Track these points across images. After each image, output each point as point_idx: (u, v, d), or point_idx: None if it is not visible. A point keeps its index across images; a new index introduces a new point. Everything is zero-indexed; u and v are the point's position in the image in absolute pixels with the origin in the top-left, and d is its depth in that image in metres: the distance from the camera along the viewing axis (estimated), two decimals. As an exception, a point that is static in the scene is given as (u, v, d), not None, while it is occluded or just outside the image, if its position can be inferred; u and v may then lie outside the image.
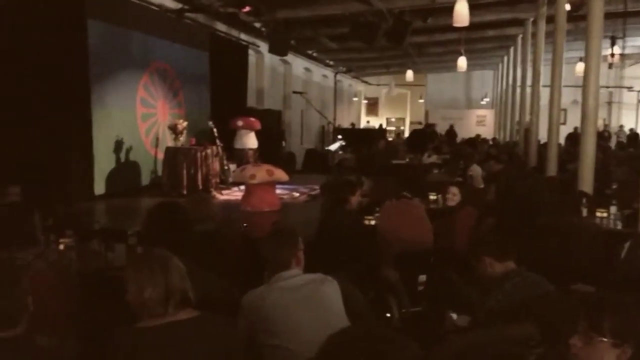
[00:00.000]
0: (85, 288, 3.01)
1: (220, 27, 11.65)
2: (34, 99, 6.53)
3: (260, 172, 7.31)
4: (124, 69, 8.74)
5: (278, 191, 8.05)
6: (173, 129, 8.93)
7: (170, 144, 9.05)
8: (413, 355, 1.34)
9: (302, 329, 2.33)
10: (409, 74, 17.30)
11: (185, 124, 9.02)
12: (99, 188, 8.08)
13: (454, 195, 5.26)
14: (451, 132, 19.10)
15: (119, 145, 8.59)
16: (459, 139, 18.46)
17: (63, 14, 7.09)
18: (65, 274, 2.88)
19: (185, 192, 8.30)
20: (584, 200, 5.59)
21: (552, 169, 8.58)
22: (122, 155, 8.68)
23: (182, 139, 8.94)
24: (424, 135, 17.67)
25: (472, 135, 19.81)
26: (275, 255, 2.58)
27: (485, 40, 15.61)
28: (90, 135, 7.79)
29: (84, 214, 6.74)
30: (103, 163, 8.21)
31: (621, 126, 21.95)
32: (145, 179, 9.25)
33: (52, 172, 6.84)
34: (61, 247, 3.83)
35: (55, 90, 6.86)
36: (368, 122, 26.86)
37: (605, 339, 1.73)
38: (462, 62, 13.88)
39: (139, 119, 9.14)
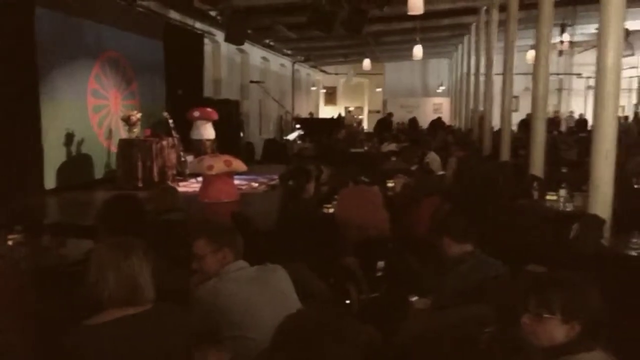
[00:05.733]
0: (38, 285, 2.92)
1: (174, 15, 11.39)
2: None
3: (218, 163, 7.22)
4: (74, 59, 8.45)
5: (237, 182, 7.98)
6: (126, 120, 8.71)
7: (124, 135, 8.83)
8: (367, 335, 1.36)
9: (262, 318, 2.33)
10: (366, 63, 17.35)
11: (139, 115, 8.81)
12: (50, 182, 7.82)
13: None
14: (413, 122, 19.61)
15: (69, 138, 8.32)
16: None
17: (9, 1, 6.81)
18: (16, 271, 2.78)
19: (140, 184, 8.13)
20: (535, 184, 5.76)
21: (505, 154, 8.79)
22: (74, 148, 8.43)
23: (136, 130, 8.73)
24: (388, 124, 17.93)
25: (429, 123, 20.16)
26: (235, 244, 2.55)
27: (441, 28, 15.79)
28: (39, 127, 7.51)
29: (34, 208, 6.53)
30: (54, 156, 7.94)
31: (571, 112, 22.70)
32: (98, 172, 9.02)
33: (-1, 166, 6.59)
34: (10, 243, 3.70)
35: (1, 81, 6.59)
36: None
37: (554, 316, 1.79)
38: (417, 50, 14.02)
39: (90, 110, 8.87)
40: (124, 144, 8.55)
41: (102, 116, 9.19)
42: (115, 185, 8.15)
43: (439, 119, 19.63)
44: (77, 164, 8.50)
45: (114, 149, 8.94)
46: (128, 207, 3.48)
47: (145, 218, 3.48)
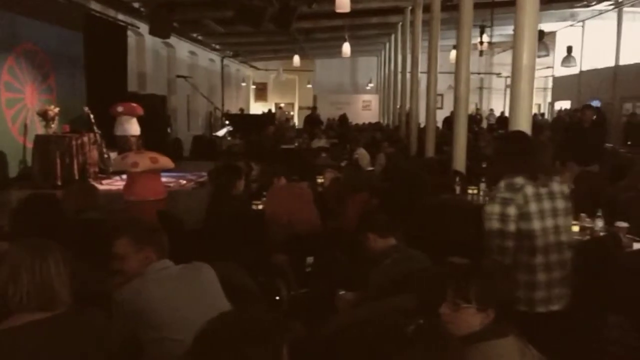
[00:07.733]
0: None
1: (95, 6, 10.91)
2: None
3: (143, 160, 7.00)
4: (-16, 50, 7.94)
5: (164, 179, 7.78)
6: (43, 115, 8.26)
7: (41, 131, 8.38)
8: (293, 334, 1.37)
9: (187, 318, 2.26)
10: (296, 59, 17.38)
11: (57, 110, 8.39)
12: (-42, 182, 7.32)
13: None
14: (343, 118, 19.97)
15: (-20, 134, 7.82)
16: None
17: None
18: None
19: (59, 182, 7.75)
20: (458, 179, 5.99)
21: (430, 151, 9.07)
22: (-15, 145, 7.92)
23: (54, 126, 8.31)
24: (315, 119, 18.09)
25: (359, 119, 20.59)
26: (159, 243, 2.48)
27: (369, 27, 16.06)
28: (-55, 123, 7.01)
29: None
30: (-38, 154, 7.43)
31: (491, 110, 23.79)
32: (13, 170, 8.49)
33: None
34: None
35: None
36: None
37: (470, 305, 1.87)
38: (346, 48, 14.21)
39: (3, 105, 8.34)
40: (41, 140, 8.11)
41: (17, 111, 8.66)
42: (32, 184, 7.71)
43: (344, 115, 20.22)
44: (-12, 162, 7.99)
45: (29, 145, 8.46)
46: (44, 206, 3.31)
47: (63, 218, 3.33)
